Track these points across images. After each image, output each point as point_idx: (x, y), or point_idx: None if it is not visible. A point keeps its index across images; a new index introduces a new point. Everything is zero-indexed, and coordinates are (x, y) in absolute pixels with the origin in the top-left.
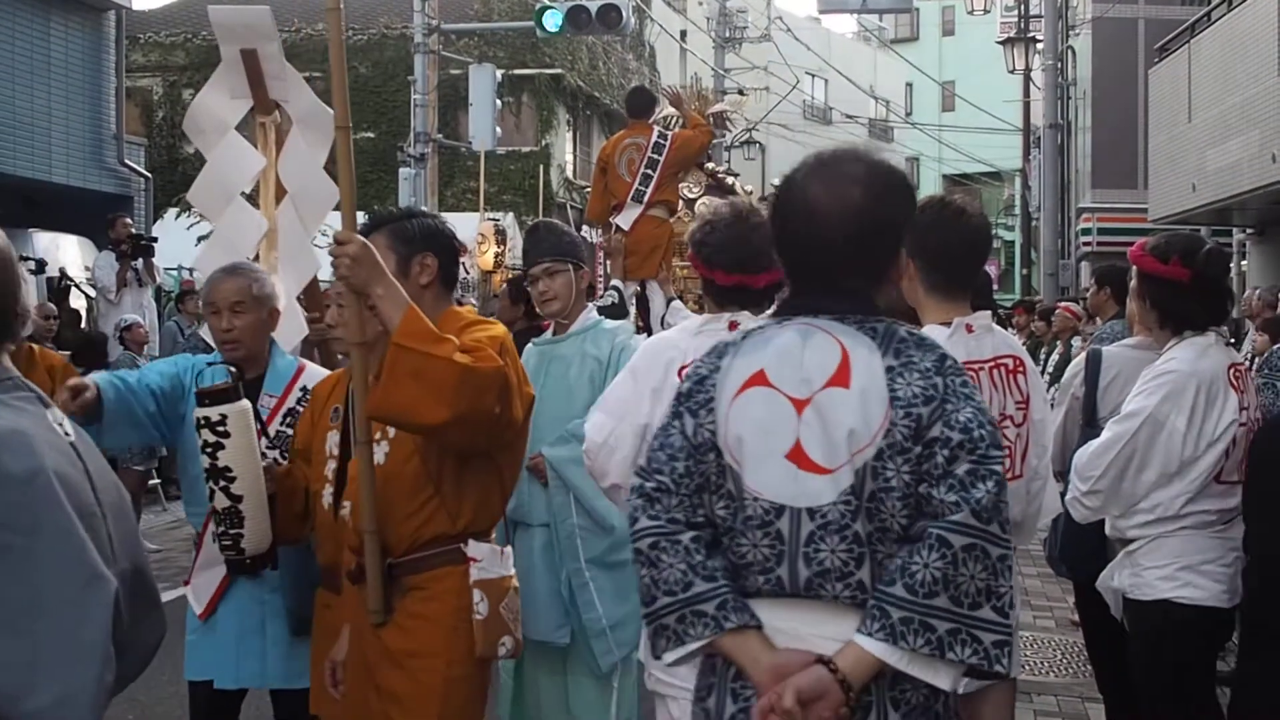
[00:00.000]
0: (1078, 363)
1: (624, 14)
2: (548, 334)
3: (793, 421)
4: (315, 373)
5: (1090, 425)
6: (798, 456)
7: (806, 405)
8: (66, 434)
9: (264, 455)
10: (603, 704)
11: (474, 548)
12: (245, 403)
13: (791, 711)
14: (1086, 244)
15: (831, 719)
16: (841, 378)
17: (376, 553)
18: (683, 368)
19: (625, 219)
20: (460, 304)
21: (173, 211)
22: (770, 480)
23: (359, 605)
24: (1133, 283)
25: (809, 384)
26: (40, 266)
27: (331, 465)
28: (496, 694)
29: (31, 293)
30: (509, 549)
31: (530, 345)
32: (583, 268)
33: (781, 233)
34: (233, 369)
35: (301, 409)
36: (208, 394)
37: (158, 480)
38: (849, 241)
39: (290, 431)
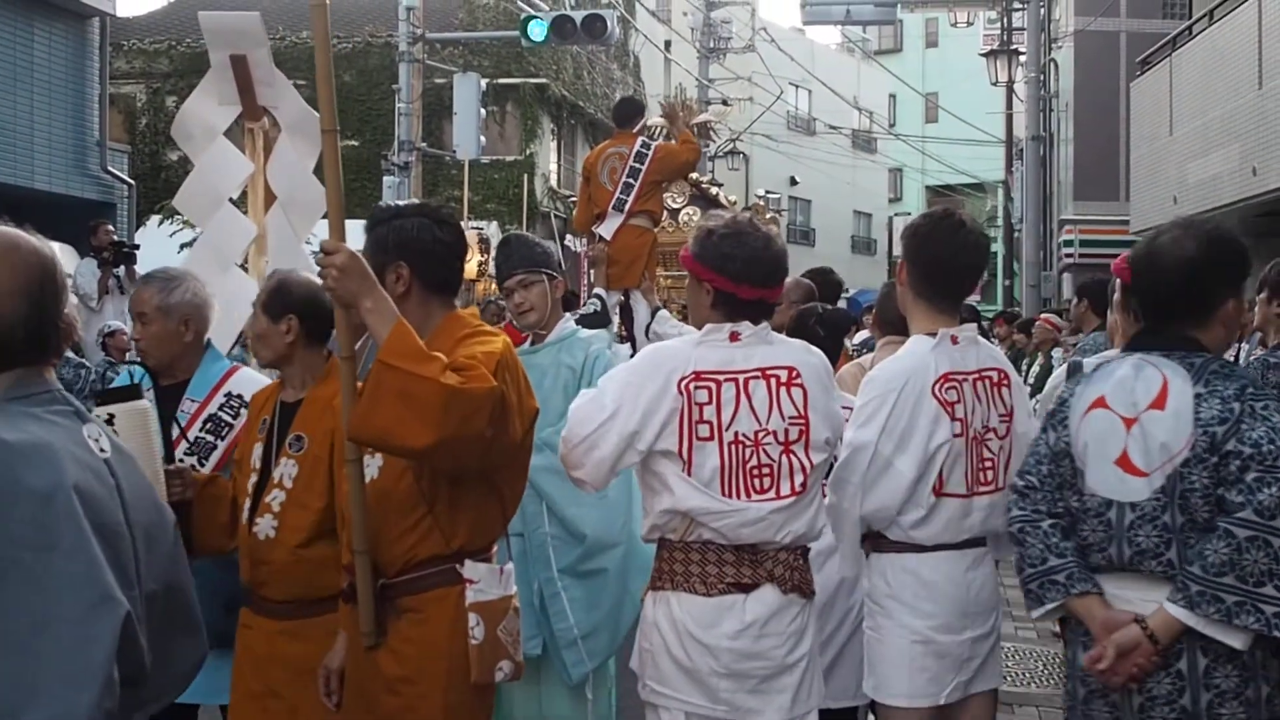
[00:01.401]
0: (1059, 374)
1: (609, 24)
2: (525, 344)
3: (1122, 435)
4: (245, 378)
5: None
6: (1124, 463)
7: (1134, 423)
8: (102, 450)
9: (181, 460)
10: (577, 715)
11: (470, 568)
12: (141, 403)
13: (1112, 660)
14: (1069, 255)
15: (1145, 665)
16: (1160, 402)
17: (368, 573)
18: (682, 379)
19: (607, 228)
20: None
21: (155, 219)
22: (1103, 480)
23: (354, 624)
24: (1115, 295)
25: (1135, 406)
26: None
27: (252, 479)
28: None
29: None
30: (509, 567)
31: None
32: (556, 278)
33: (1134, 285)
34: (132, 372)
35: (224, 415)
36: (104, 394)
37: None
38: (1178, 293)
39: (210, 438)
